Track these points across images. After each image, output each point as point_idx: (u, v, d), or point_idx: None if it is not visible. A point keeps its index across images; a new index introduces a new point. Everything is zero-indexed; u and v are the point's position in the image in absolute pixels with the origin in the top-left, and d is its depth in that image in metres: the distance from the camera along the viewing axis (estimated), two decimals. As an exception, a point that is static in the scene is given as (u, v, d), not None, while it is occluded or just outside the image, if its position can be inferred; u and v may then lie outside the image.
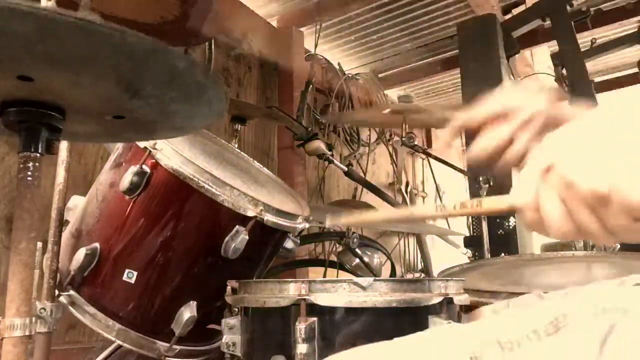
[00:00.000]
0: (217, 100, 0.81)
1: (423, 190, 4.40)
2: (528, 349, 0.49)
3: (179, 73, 0.73)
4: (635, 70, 3.41)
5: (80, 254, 1.12)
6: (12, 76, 0.71)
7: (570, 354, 0.47)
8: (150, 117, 0.85)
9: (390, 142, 3.86)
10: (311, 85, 2.98)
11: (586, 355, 0.45)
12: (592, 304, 0.49)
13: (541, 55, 3.65)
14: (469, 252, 2.50)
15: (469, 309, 1.02)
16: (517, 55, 3.08)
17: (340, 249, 2.65)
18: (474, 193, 2.52)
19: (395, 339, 0.60)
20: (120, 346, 1.20)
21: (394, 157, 3.87)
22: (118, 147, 1.25)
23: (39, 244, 1.02)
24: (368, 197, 3.24)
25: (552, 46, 3.12)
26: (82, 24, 0.60)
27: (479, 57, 2.90)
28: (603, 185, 0.43)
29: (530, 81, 3.14)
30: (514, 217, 2.67)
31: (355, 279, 0.88)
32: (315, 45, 3.05)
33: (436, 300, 0.91)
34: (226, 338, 0.98)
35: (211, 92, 0.78)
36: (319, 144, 2.38)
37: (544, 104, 0.77)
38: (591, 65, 2.98)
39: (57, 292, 1.12)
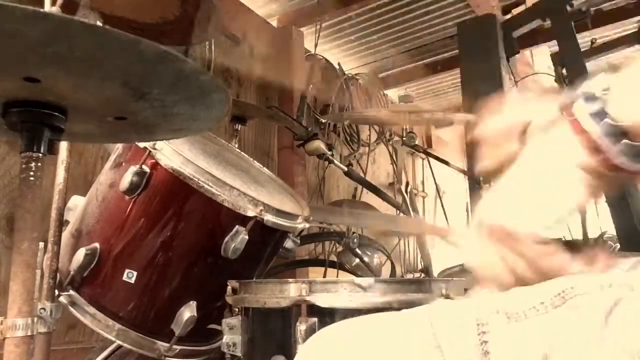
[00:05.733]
0: (218, 104, 0.82)
1: (423, 190, 4.40)
2: (534, 320, 0.49)
3: (184, 77, 0.73)
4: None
5: (80, 254, 1.12)
6: (18, 77, 0.71)
7: (575, 325, 0.47)
8: (151, 119, 0.86)
9: (390, 142, 3.86)
10: (311, 85, 2.98)
11: (591, 326, 0.46)
12: (600, 279, 0.50)
13: (541, 55, 3.65)
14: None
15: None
16: (517, 55, 3.08)
17: (340, 249, 2.65)
18: (474, 193, 2.52)
19: (403, 310, 0.60)
20: (120, 346, 1.20)
21: (394, 157, 3.86)
22: (118, 147, 1.25)
23: (41, 244, 1.02)
24: (368, 197, 3.24)
25: (552, 46, 3.12)
26: (94, 27, 0.61)
27: (479, 57, 2.90)
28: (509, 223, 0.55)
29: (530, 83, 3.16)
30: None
31: (356, 280, 0.88)
32: (315, 45, 3.05)
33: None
34: (226, 338, 0.98)
35: (213, 96, 0.78)
36: (319, 144, 2.38)
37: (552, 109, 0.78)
38: (591, 65, 2.98)
39: (57, 292, 1.12)
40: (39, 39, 0.61)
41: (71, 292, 1.14)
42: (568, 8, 2.69)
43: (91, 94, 0.77)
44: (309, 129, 2.44)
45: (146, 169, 1.11)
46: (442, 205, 3.95)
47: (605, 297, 0.48)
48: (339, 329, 0.62)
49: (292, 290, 0.89)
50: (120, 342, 1.14)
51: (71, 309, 1.14)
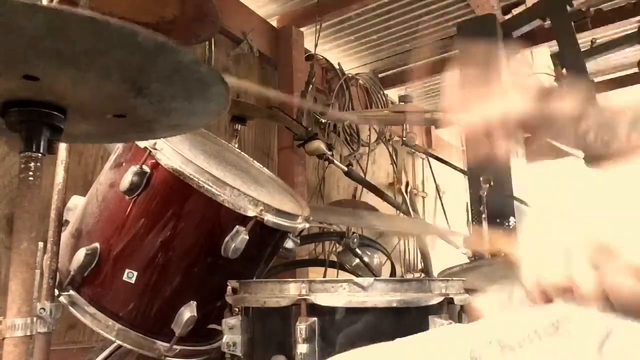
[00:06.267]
0: (217, 98, 0.81)
1: (423, 190, 4.39)
2: (528, 349, 0.49)
3: (183, 68, 0.73)
4: (635, 70, 3.41)
5: (81, 254, 1.12)
6: (18, 76, 0.70)
7: (569, 353, 0.47)
8: (150, 115, 0.85)
9: (390, 142, 3.86)
10: (311, 85, 2.98)
11: (585, 355, 0.46)
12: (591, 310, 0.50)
13: (541, 55, 3.65)
14: (469, 252, 2.50)
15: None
16: (517, 55, 3.08)
17: (340, 249, 2.65)
18: (474, 193, 2.52)
19: (397, 340, 0.60)
20: (120, 346, 1.20)
21: (394, 157, 3.86)
22: (118, 147, 1.25)
23: (40, 244, 1.02)
24: (368, 197, 3.24)
25: (552, 46, 3.12)
26: (92, 19, 0.60)
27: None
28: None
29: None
30: (513, 217, 2.67)
31: (356, 279, 0.88)
32: (315, 45, 3.04)
33: (437, 300, 0.91)
34: (226, 338, 0.98)
35: (212, 89, 0.78)
36: (319, 144, 2.38)
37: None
38: (591, 65, 2.98)
39: (57, 292, 1.12)
40: (36, 32, 0.60)
41: (71, 292, 1.14)
42: (568, 8, 2.70)
43: (90, 91, 0.77)
44: (309, 129, 2.44)
45: (146, 169, 1.11)
46: (442, 205, 3.95)
47: (597, 326, 0.48)
48: None
49: (292, 290, 0.89)
50: (120, 342, 1.14)
51: (71, 309, 1.14)
